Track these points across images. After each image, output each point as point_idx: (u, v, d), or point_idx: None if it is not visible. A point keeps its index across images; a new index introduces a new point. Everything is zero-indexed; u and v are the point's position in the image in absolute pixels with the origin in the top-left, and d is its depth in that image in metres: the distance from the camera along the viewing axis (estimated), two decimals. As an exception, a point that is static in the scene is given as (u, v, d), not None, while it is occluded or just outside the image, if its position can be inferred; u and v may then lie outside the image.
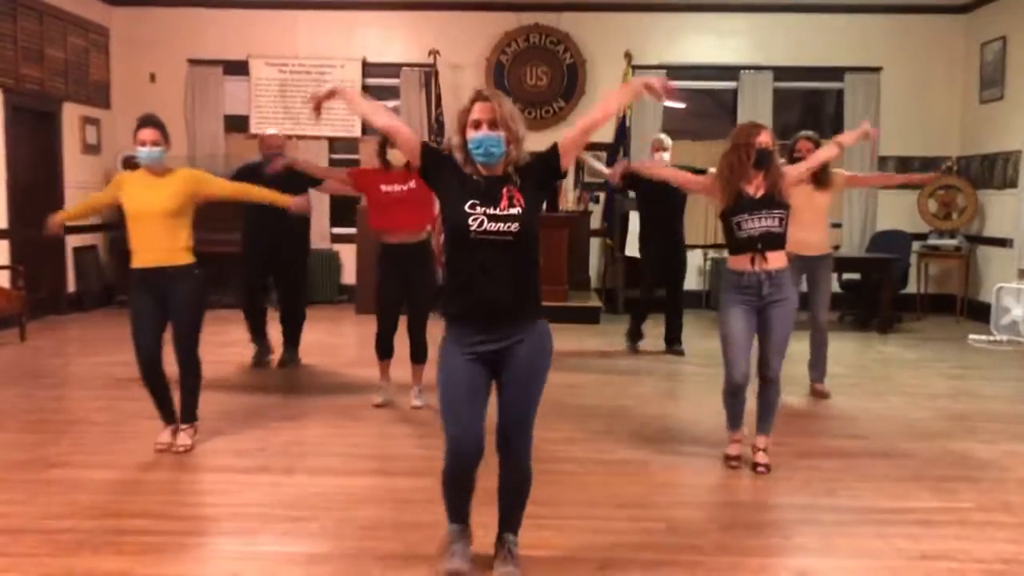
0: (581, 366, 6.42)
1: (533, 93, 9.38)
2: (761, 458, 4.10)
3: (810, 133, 5.49)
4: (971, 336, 7.80)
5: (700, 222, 9.20)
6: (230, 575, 2.99)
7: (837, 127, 9.30)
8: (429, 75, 9.20)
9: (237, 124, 9.57)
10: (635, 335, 7.05)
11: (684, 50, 9.41)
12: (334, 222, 9.61)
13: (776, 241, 4.00)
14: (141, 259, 4.17)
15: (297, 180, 5.98)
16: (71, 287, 8.77)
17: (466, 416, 2.75)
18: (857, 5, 9.19)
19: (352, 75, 9.46)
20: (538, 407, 2.85)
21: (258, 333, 6.33)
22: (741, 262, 4.01)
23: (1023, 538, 3.36)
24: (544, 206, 6.32)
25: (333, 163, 9.24)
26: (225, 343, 6.98)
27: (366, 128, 9.50)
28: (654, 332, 7.15)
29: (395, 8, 9.44)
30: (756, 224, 3.95)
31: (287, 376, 6.05)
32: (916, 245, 9.05)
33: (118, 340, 7.02)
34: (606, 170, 6.98)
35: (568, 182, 9.49)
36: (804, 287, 5.49)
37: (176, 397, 4.36)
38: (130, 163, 8.58)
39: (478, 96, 2.75)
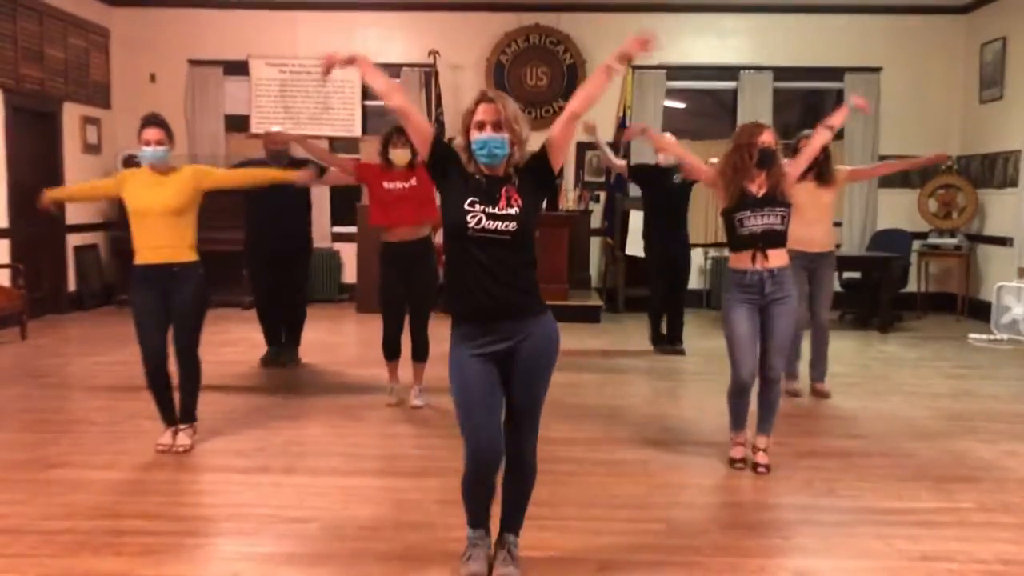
0: (581, 366, 6.42)
1: (533, 93, 9.37)
2: (761, 458, 4.10)
3: (813, 132, 5.47)
4: (971, 335, 7.80)
5: (700, 221, 9.19)
6: (230, 575, 2.99)
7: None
8: (429, 75, 9.20)
9: (237, 124, 9.57)
10: (660, 338, 7.03)
11: (684, 50, 9.40)
12: (334, 221, 9.61)
13: (777, 239, 4.01)
14: (144, 256, 4.17)
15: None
16: (72, 286, 8.77)
17: (484, 418, 2.76)
18: (857, 5, 9.19)
19: (352, 75, 9.45)
20: (543, 404, 2.86)
21: (272, 334, 6.32)
22: (743, 260, 4.02)
23: (1023, 538, 3.36)
24: (544, 205, 6.36)
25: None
26: (225, 343, 6.99)
27: (367, 128, 9.52)
28: (647, 331, 7.15)
29: (395, 8, 9.44)
30: (758, 221, 3.95)
31: (287, 376, 6.05)
32: (916, 244, 9.04)
33: (118, 339, 7.04)
34: (617, 161, 6.97)
35: (568, 182, 9.50)
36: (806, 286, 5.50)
37: (176, 397, 4.37)
38: (131, 163, 8.59)
39: (483, 97, 2.76)
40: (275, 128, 6.28)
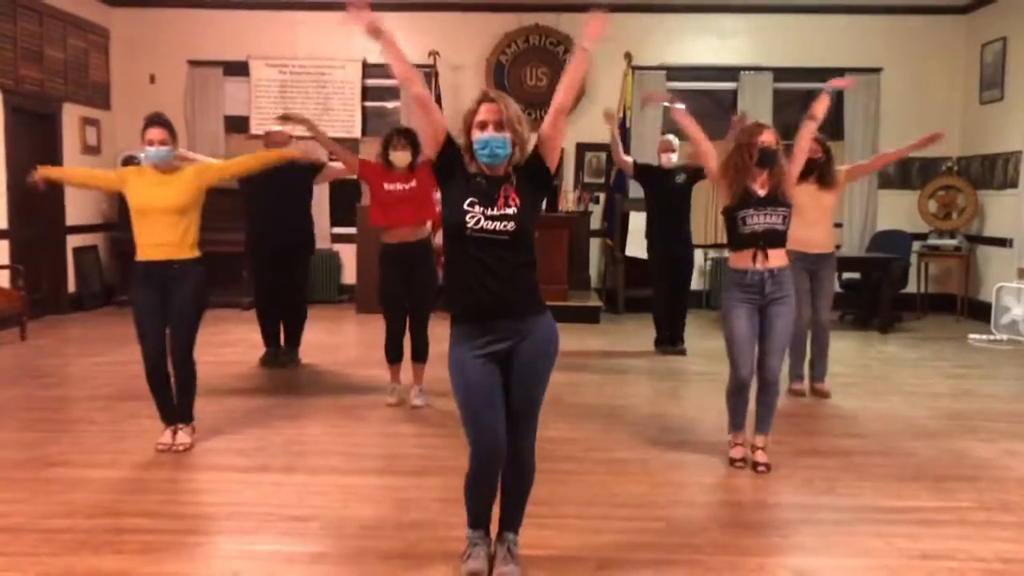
0: (581, 366, 6.42)
1: (533, 94, 9.37)
2: (761, 457, 4.11)
3: (817, 134, 5.47)
4: (971, 335, 7.80)
5: (700, 222, 9.17)
6: (230, 574, 2.99)
7: (837, 127, 9.30)
8: (429, 76, 9.19)
9: (237, 125, 9.58)
10: (665, 339, 7.02)
11: (684, 51, 9.42)
12: (334, 222, 9.61)
13: (778, 239, 4.02)
14: (145, 253, 4.17)
15: (299, 174, 6.04)
16: (71, 287, 8.77)
17: (487, 418, 2.77)
18: (857, 5, 9.20)
19: (352, 76, 9.47)
20: (542, 404, 2.86)
21: (271, 335, 6.32)
22: (743, 260, 4.02)
23: (1023, 537, 3.36)
24: (544, 206, 6.35)
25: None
26: (225, 343, 6.99)
27: (367, 129, 9.52)
28: (647, 332, 7.14)
29: (395, 9, 9.43)
30: (760, 220, 3.97)
31: (287, 376, 6.05)
32: (916, 245, 9.05)
33: (118, 340, 7.04)
34: (625, 157, 6.97)
35: (568, 183, 9.50)
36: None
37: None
38: (130, 164, 8.59)
39: (484, 97, 2.77)
40: (276, 128, 6.28)
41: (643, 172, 6.92)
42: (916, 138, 5.43)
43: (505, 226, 2.70)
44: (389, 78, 9.74)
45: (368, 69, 9.48)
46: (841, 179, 5.45)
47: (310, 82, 9.48)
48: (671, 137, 6.89)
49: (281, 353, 6.31)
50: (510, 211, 2.71)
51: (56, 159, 8.49)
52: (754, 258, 3.98)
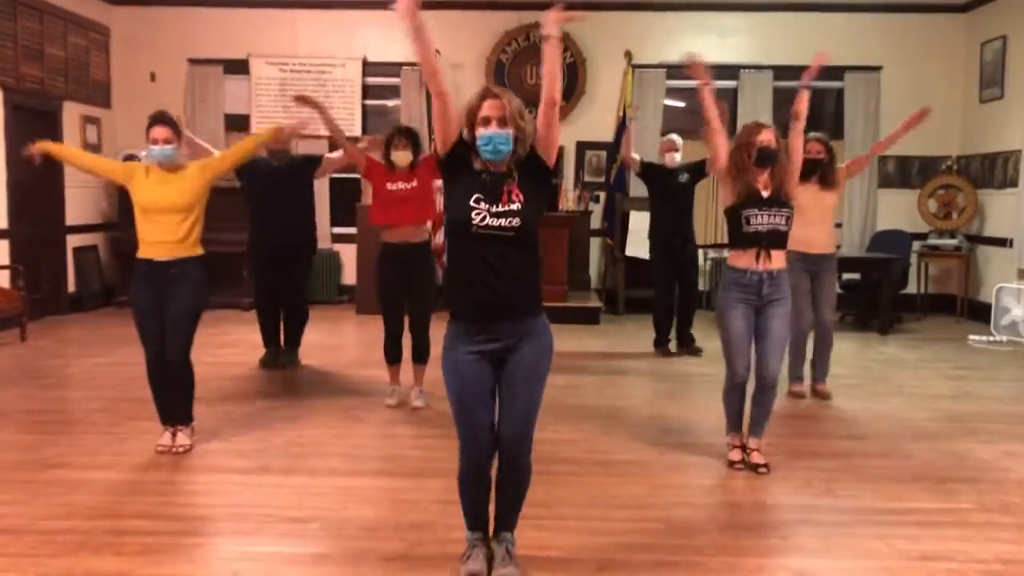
0: (581, 366, 6.42)
1: (533, 92, 9.31)
2: (757, 458, 4.12)
3: (819, 134, 5.47)
4: (971, 336, 7.80)
5: (700, 222, 9.17)
6: (229, 575, 2.99)
7: (837, 127, 9.29)
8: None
9: (238, 123, 9.57)
10: (665, 340, 7.01)
11: (684, 49, 9.21)
12: (334, 222, 9.61)
13: (780, 240, 4.02)
14: (147, 251, 4.17)
15: (299, 170, 6.06)
16: (71, 287, 8.77)
17: (477, 416, 2.80)
18: (857, 4, 9.19)
19: (353, 74, 9.47)
20: (539, 406, 2.86)
21: (271, 336, 6.32)
22: (744, 259, 4.02)
23: (1023, 538, 3.36)
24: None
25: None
26: (224, 344, 6.99)
27: (367, 128, 9.52)
28: (647, 333, 7.14)
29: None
30: (764, 220, 3.97)
31: (287, 377, 6.05)
32: (916, 245, 9.04)
33: (118, 341, 7.04)
34: (635, 155, 6.96)
35: (568, 182, 9.49)
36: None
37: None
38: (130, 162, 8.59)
39: (488, 93, 2.78)
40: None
41: (648, 170, 6.92)
42: (903, 123, 5.40)
43: (510, 222, 2.71)
44: (389, 76, 9.81)
45: (368, 67, 9.47)
46: (841, 177, 5.45)
47: (310, 80, 9.47)
48: (675, 137, 6.89)
49: (281, 353, 6.30)
50: (514, 207, 2.72)
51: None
52: (757, 258, 3.98)
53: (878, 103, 9.23)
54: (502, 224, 2.70)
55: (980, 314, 8.45)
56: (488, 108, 2.74)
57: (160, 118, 4.20)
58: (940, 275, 9.34)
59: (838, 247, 8.13)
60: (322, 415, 5.01)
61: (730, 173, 4.05)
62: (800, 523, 3.51)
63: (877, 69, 9.27)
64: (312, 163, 6.09)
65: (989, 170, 8.75)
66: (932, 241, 9.00)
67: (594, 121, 9.39)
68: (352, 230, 9.19)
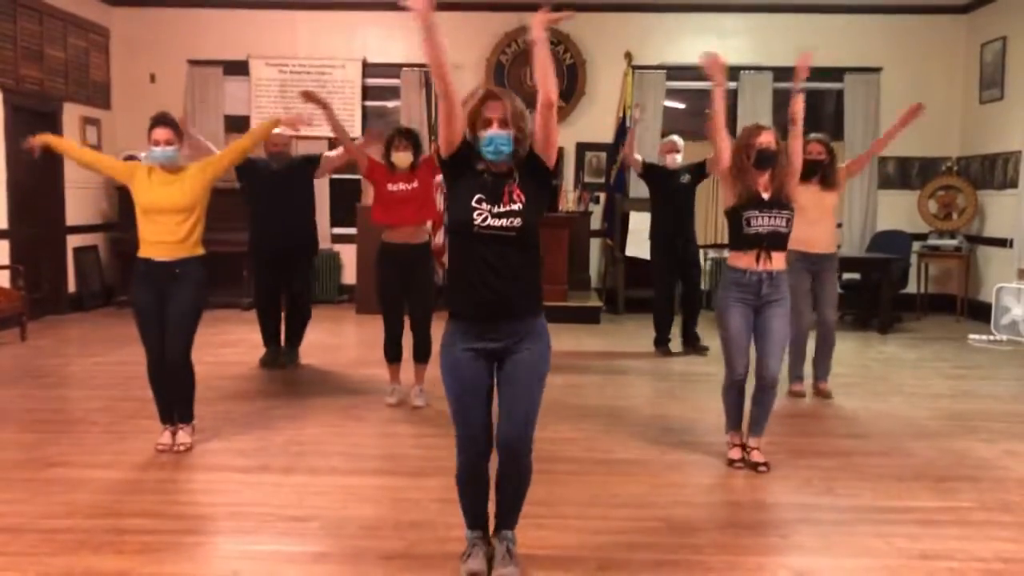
0: (581, 366, 6.42)
1: (533, 93, 9.09)
2: (757, 456, 4.12)
3: (820, 135, 5.46)
4: (971, 336, 7.80)
5: (700, 221, 9.17)
6: (230, 574, 2.99)
7: (837, 128, 9.29)
8: (429, 75, 9.19)
9: (237, 124, 9.56)
10: (665, 340, 7.01)
11: (684, 50, 9.39)
12: (334, 222, 9.61)
13: (781, 242, 4.03)
14: (150, 251, 4.17)
15: (299, 171, 6.07)
16: (71, 287, 8.77)
17: (476, 414, 2.81)
18: (857, 5, 9.19)
19: (352, 75, 9.47)
20: (539, 406, 2.86)
21: (270, 335, 6.32)
22: (744, 259, 4.03)
23: (1023, 537, 3.36)
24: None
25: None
26: (225, 343, 6.99)
27: (367, 128, 9.52)
28: (647, 333, 7.14)
29: (395, 8, 9.29)
30: (765, 222, 3.98)
31: (287, 376, 6.05)
32: (916, 245, 9.05)
33: (118, 340, 7.04)
34: (637, 156, 6.95)
35: (568, 182, 9.50)
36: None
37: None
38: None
39: (489, 94, 2.79)
40: (276, 130, 6.28)
41: (649, 171, 6.92)
42: (899, 118, 5.39)
43: (511, 222, 2.71)
44: (389, 77, 9.81)
45: (368, 68, 9.48)
46: (842, 178, 5.45)
47: (310, 81, 9.45)
48: (676, 138, 6.90)
49: (281, 352, 6.31)
50: (515, 207, 2.72)
51: (57, 158, 8.47)
52: (757, 259, 3.99)
53: (878, 104, 9.24)
54: (503, 224, 2.71)
55: (980, 314, 8.45)
56: (490, 109, 2.75)
57: (161, 120, 4.20)
58: (940, 275, 9.35)
59: (838, 247, 8.15)
60: (322, 414, 5.01)
61: (731, 174, 4.05)
62: (800, 522, 3.51)
63: (877, 70, 9.28)
64: (311, 163, 6.10)
65: (989, 171, 8.75)
66: (932, 241, 9.01)
67: (594, 122, 9.40)
68: (352, 230, 9.19)
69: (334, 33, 9.49)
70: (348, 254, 9.42)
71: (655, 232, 7.00)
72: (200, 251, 4.26)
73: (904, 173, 9.47)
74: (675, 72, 9.39)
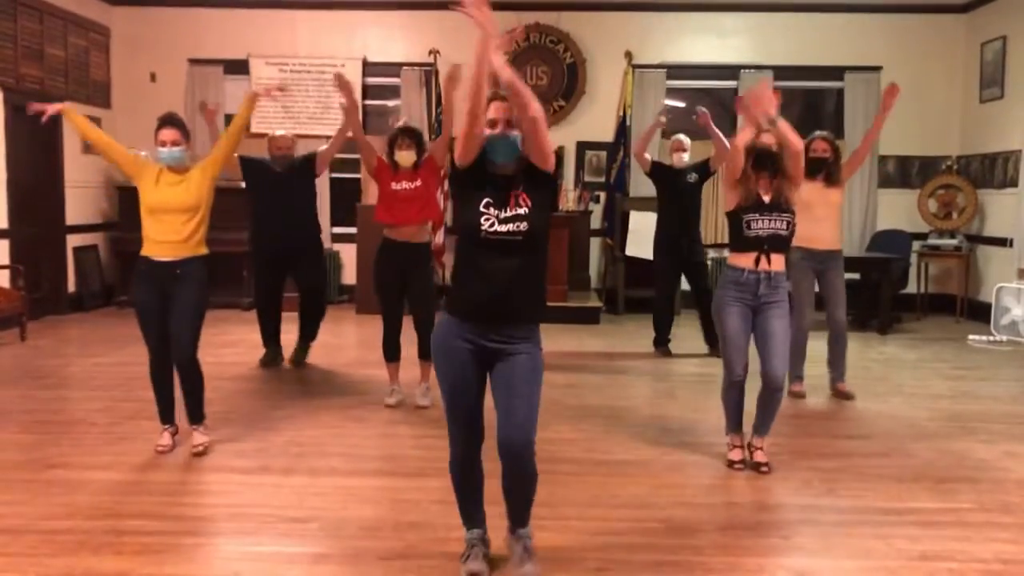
0: (581, 366, 6.41)
1: (534, 93, 9.35)
2: (760, 456, 4.12)
3: (825, 133, 5.46)
4: (971, 336, 7.80)
5: (703, 221, 9.19)
6: (230, 575, 2.99)
7: (837, 127, 9.28)
8: (429, 75, 9.21)
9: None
10: (664, 340, 7.01)
11: (684, 49, 9.41)
12: (334, 222, 9.61)
13: (781, 244, 4.03)
14: (153, 249, 4.16)
15: (300, 171, 6.08)
16: (71, 287, 8.76)
17: (469, 405, 2.84)
18: (857, 5, 9.19)
19: (352, 74, 9.45)
20: (538, 408, 2.85)
21: (270, 335, 6.33)
22: (744, 260, 4.03)
23: (1023, 538, 3.36)
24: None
25: (332, 162, 9.17)
26: (225, 343, 6.99)
27: (367, 128, 9.49)
28: (647, 333, 7.14)
29: (395, 8, 9.44)
30: (765, 225, 3.98)
31: (287, 376, 6.05)
32: (916, 245, 9.04)
33: (118, 340, 7.04)
34: (647, 156, 6.87)
35: (568, 182, 9.49)
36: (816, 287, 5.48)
37: (180, 400, 4.37)
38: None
39: (495, 96, 2.79)
40: (279, 132, 6.31)
41: (657, 170, 6.91)
42: (881, 105, 5.41)
43: (518, 227, 2.71)
44: (389, 77, 9.79)
45: (368, 68, 9.48)
46: (845, 175, 5.45)
47: (310, 80, 9.48)
48: (682, 136, 6.88)
49: (295, 349, 6.30)
50: (522, 211, 2.72)
51: (56, 158, 8.50)
52: (757, 261, 3.99)
53: (878, 103, 9.15)
54: (510, 229, 2.71)
55: (980, 314, 8.45)
56: (495, 110, 2.76)
57: (169, 120, 4.20)
58: (940, 275, 9.34)
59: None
60: (322, 415, 5.01)
61: (737, 178, 4.05)
62: (800, 523, 3.51)
63: (877, 69, 9.27)
64: (310, 161, 6.11)
65: (989, 170, 8.75)
66: (932, 241, 9.00)
67: (594, 121, 9.40)
68: (352, 230, 9.18)
69: (334, 32, 9.48)
70: (348, 254, 9.42)
71: (660, 231, 7.00)
72: (203, 251, 4.26)
73: (904, 172, 9.47)
74: (675, 71, 9.39)
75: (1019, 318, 7.66)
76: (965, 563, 3.13)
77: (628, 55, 9.05)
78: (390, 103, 9.76)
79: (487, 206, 2.72)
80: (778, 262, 4.03)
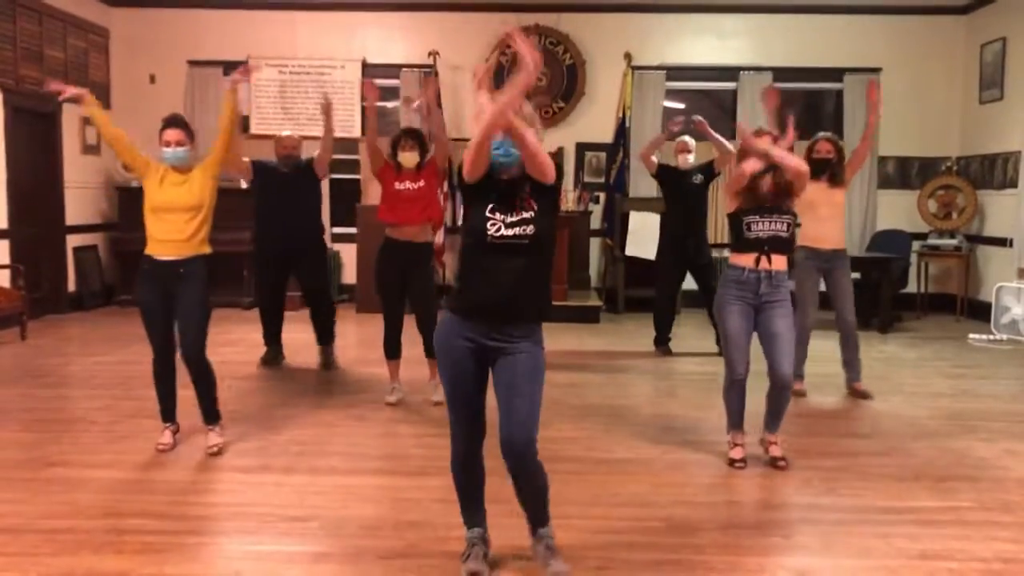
0: (582, 365, 6.41)
1: (533, 93, 9.37)
2: (776, 451, 4.16)
3: (828, 134, 5.47)
4: (971, 335, 7.81)
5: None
6: (231, 575, 2.99)
7: (837, 128, 9.29)
8: (429, 75, 9.20)
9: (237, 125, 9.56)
10: (665, 340, 7.00)
11: (684, 51, 9.42)
12: (334, 222, 9.60)
13: (782, 245, 4.04)
14: (156, 248, 4.16)
15: (306, 174, 6.10)
16: (71, 287, 8.77)
17: (470, 400, 2.84)
18: (857, 5, 9.20)
19: (352, 76, 9.47)
20: (540, 407, 2.85)
21: (272, 334, 6.33)
22: (744, 260, 4.05)
23: (1023, 537, 3.36)
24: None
25: (331, 163, 9.14)
26: (225, 343, 6.98)
27: (365, 128, 9.51)
28: (647, 332, 7.14)
29: (395, 8, 9.45)
30: (765, 227, 4.00)
31: (287, 375, 6.05)
32: (916, 245, 9.05)
33: (118, 340, 7.05)
34: (653, 158, 6.80)
35: (568, 182, 9.50)
36: (823, 287, 5.47)
37: (181, 398, 4.38)
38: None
39: None
40: (286, 132, 6.31)
41: (663, 172, 6.91)
42: (868, 102, 5.44)
43: (524, 230, 2.72)
44: (389, 78, 9.80)
45: (368, 69, 9.48)
46: (849, 175, 5.46)
47: (310, 82, 9.48)
48: (688, 138, 6.88)
49: (319, 357, 6.27)
50: (528, 215, 2.73)
51: (56, 159, 8.51)
52: (757, 262, 4.00)
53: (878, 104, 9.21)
54: (516, 233, 2.72)
55: (980, 313, 8.46)
56: None
57: (173, 121, 4.21)
58: (940, 275, 9.35)
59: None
60: (323, 413, 5.01)
61: (738, 191, 4.06)
62: (801, 522, 3.51)
63: (877, 71, 9.26)
64: (311, 165, 6.12)
65: (989, 171, 8.76)
66: (932, 241, 9.01)
67: (593, 122, 9.41)
68: (352, 230, 9.18)
69: (334, 33, 9.49)
70: (348, 254, 9.42)
71: (666, 232, 7.01)
72: (206, 249, 4.27)
73: (904, 173, 9.48)
74: (675, 72, 9.40)
75: (1019, 317, 7.67)
76: (965, 562, 3.12)
77: (628, 56, 9.07)
78: (389, 104, 9.76)
79: (493, 211, 2.72)
80: (779, 262, 4.04)
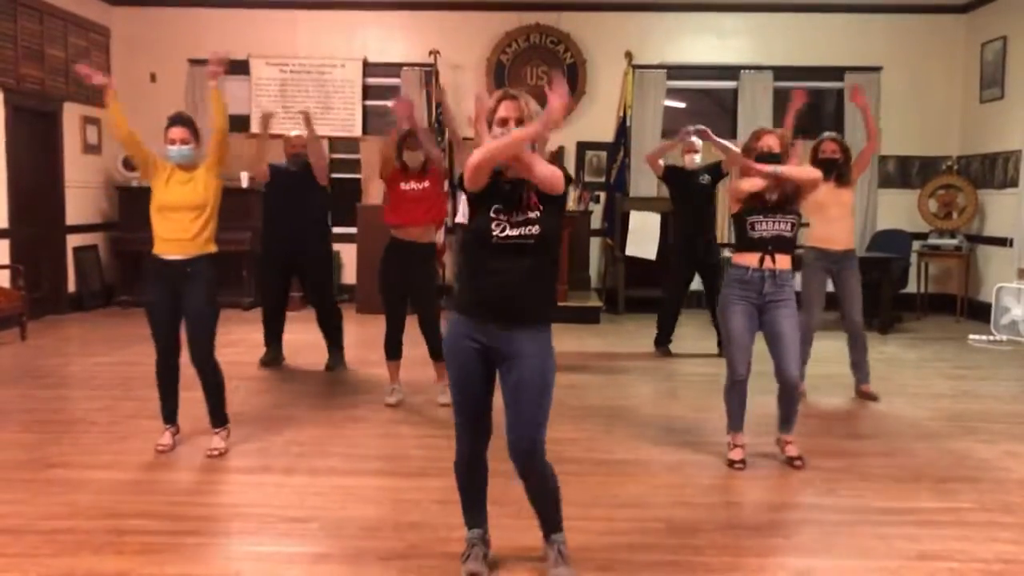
0: (582, 366, 6.42)
1: (533, 93, 9.18)
2: (792, 450, 4.18)
3: (834, 134, 5.46)
4: (971, 336, 7.80)
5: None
6: (231, 574, 2.99)
7: (837, 127, 9.29)
8: (429, 75, 9.21)
9: (238, 124, 9.50)
10: (666, 340, 7.00)
11: (684, 50, 9.41)
12: (334, 222, 9.55)
13: (786, 245, 4.04)
14: (163, 248, 4.17)
15: (306, 171, 6.10)
16: (71, 287, 8.76)
17: (477, 402, 2.84)
18: (857, 5, 9.20)
19: (353, 75, 9.47)
20: (549, 411, 2.84)
21: (272, 335, 6.33)
22: (748, 259, 4.05)
23: (1023, 538, 3.36)
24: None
25: (332, 162, 9.16)
26: (226, 343, 6.95)
27: (367, 128, 9.53)
28: (647, 333, 7.14)
29: (395, 8, 9.44)
30: (769, 227, 4.00)
31: (287, 376, 6.05)
32: (916, 245, 9.05)
33: (118, 340, 7.04)
34: (660, 161, 6.79)
35: (568, 182, 9.48)
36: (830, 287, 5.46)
37: (182, 400, 4.38)
38: (130, 164, 8.58)
39: (505, 95, 2.80)
40: (295, 132, 6.31)
41: (670, 173, 6.90)
42: (858, 105, 5.47)
43: (529, 231, 2.71)
44: (389, 77, 9.79)
45: (368, 68, 9.48)
46: (855, 175, 5.46)
47: (310, 81, 9.48)
48: (695, 138, 6.87)
49: (328, 361, 6.26)
50: (533, 215, 2.72)
51: (56, 159, 8.51)
52: (761, 261, 4.01)
53: (878, 104, 9.22)
54: (521, 233, 2.71)
55: (980, 313, 8.45)
56: (505, 110, 2.75)
57: (178, 119, 4.21)
58: (940, 275, 9.35)
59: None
60: (322, 414, 5.01)
61: (742, 199, 4.07)
62: (801, 522, 3.51)
63: (877, 69, 9.27)
64: (308, 164, 6.14)
65: (989, 170, 8.75)
66: (932, 241, 9.00)
67: (594, 122, 9.40)
68: (352, 230, 9.17)
69: (334, 32, 9.49)
70: (348, 254, 9.41)
71: (676, 233, 7.01)
72: (212, 248, 4.27)
73: (904, 172, 9.47)
74: (675, 72, 9.39)
75: (1019, 318, 7.66)
76: (965, 563, 3.12)
77: (628, 55, 9.06)
78: (390, 104, 9.73)
79: (497, 212, 2.71)
80: (783, 261, 4.04)
